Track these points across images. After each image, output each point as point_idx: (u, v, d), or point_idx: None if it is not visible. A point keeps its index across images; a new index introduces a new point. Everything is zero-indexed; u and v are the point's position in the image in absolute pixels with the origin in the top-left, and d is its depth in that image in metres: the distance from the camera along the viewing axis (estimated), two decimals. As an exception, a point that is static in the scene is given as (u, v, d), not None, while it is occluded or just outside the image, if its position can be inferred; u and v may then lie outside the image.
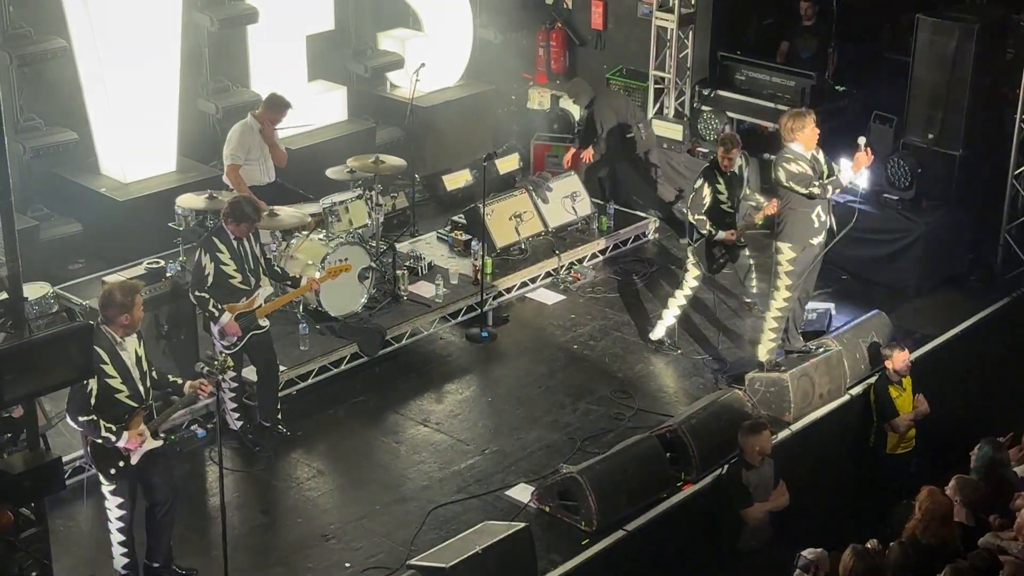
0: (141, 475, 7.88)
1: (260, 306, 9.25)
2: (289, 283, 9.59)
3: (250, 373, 9.61)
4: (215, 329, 9.18)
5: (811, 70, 12.87)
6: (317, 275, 9.91)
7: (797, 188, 9.57)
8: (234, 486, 9.02)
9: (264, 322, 9.37)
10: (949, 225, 11.92)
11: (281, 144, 11.34)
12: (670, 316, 10.75)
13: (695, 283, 10.54)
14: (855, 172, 9.57)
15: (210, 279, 9.04)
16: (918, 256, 11.70)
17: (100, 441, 7.59)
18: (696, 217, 10.19)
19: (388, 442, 9.68)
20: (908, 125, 12.09)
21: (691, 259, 10.47)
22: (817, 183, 9.51)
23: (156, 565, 8.12)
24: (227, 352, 9.07)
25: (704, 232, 10.16)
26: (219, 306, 9.05)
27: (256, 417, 9.58)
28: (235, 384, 9.44)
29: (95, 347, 7.42)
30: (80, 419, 7.56)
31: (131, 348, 7.72)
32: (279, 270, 9.64)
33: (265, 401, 9.58)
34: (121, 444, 7.60)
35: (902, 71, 12.26)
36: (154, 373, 7.92)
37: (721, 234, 10.15)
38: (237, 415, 9.51)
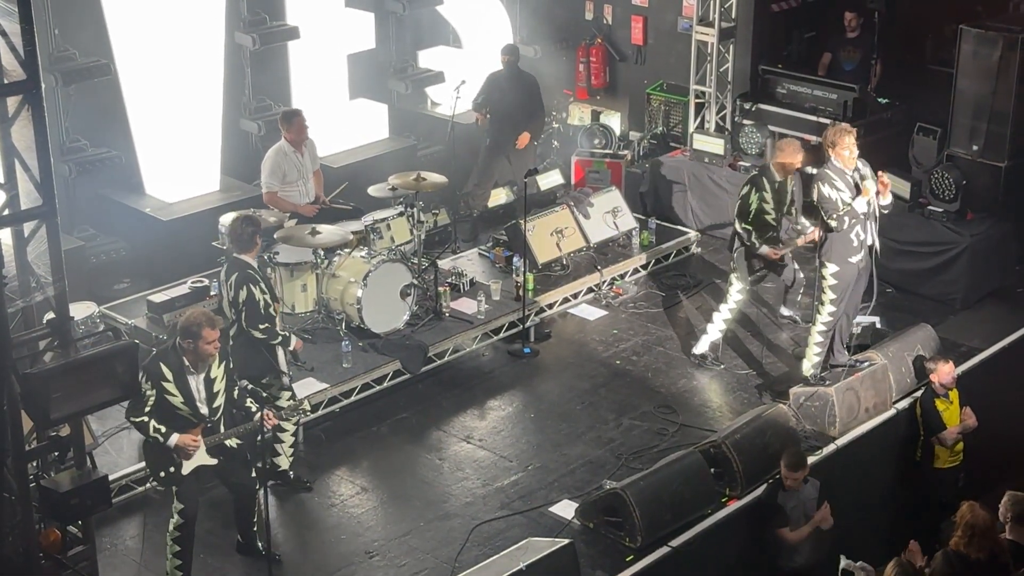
0: (222, 478, 8.06)
1: None
2: None
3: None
4: (288, 350, 9.03)
5: (854, 82, 12.78)
6: None
7: (824, 213, 9.53)
8: (277, 503, 9.05)
9: None
10: (995, 237, 11.81)
11: (319, 172, 11.36)
12: (715, 331, 10.69)
13: (739, 296, 10.49)
14: (883, 198, 9.54)
15: (268, 310, 8.84)
16: (964, 268, 11.59)
17: (150, 440, 7.69)
18: (742, 226, 10.14)
19: (431, 459, 9.68)
20: (952, 137, 11.99)
21: (734, 269, 10.42)
22: (837, 215, 9.43)
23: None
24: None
25: (748, 243, 10.12)
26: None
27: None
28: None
29: (160, 363, 7.59)
30: (132, 419, 7.68)
31: (201, 374, 7.77)
32: None
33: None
34: (172, 443, 7.67)
35: (946, 82, 12.17)
36: (235, 394, 7.96)
37: (764, 248, 10.10)
38: (292, 451, 9.24)
